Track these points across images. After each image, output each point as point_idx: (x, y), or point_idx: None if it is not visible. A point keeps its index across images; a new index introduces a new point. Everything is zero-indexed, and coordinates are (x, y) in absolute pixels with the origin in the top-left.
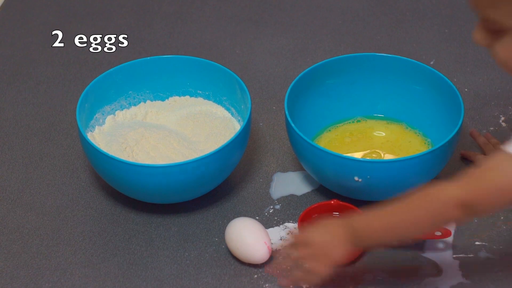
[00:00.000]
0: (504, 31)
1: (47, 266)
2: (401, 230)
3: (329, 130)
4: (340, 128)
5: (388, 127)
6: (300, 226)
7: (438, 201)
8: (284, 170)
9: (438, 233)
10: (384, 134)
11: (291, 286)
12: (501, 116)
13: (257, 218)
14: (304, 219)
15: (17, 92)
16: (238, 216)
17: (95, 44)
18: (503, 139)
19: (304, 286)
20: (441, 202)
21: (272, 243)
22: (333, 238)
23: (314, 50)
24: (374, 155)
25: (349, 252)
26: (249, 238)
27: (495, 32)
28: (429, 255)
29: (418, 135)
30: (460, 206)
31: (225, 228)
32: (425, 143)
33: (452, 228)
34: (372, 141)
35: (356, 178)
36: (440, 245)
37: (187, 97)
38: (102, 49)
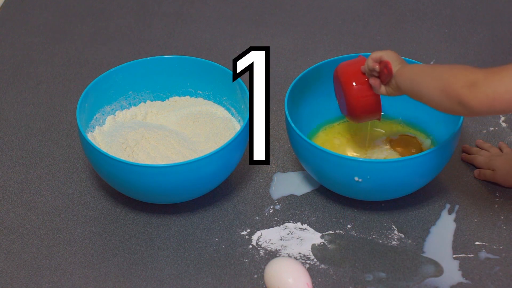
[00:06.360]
0: None
1: (47, 266)
2: (430, 78)
3: (329, 130)
4: (339, 125)
5: (388, 127)
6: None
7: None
8: (284, 170)
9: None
10: (384, 131)
11: None
12: (501, 116)
13: (257, 218)
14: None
15: (17, 92)
16: (238, 217)
17: (95, 44)
18: (503, 139)
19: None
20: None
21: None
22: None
23: (314, 50)
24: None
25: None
26: (290, 279)
27: None
28: (429, 255)
29: (419, 135)
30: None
31: (264, 266)
32: (426, 142)
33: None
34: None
35: (356, 178)
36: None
37: (187, 97)
38: (102, 49)
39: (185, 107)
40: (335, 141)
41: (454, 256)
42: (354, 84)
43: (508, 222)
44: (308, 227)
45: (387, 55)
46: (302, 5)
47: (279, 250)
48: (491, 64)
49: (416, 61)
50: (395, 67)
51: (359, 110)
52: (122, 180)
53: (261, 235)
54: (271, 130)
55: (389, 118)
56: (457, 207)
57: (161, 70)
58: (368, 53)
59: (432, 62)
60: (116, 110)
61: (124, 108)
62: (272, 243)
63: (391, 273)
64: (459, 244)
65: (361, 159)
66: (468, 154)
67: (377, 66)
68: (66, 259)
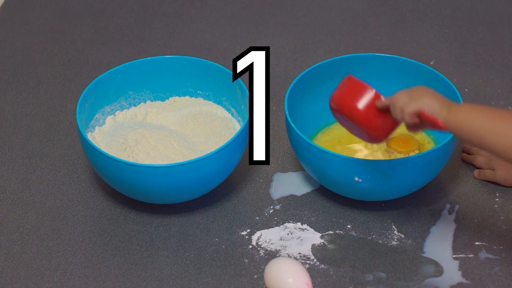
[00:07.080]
0: None
1: (47, 266)
2: (504, 137)
3: (329, 130)
4: (340, 128)
5: None
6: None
7: None
8: (284, 170)
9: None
10: None
11: None
12: None
13: (257, 218)
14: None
15: (17, 92)
16: (238, 217)
17: (95, 44)
18: None
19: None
20: None
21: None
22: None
23: (314, 50)
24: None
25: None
26: (290, 279)
27: None
28: (429, 255)
29: (419, 135)
30: None
31: (264, 266)
32: (426, 142)
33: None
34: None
35: (356, 178)
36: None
37: (187, 97)
38: (102, 49)
39: (185, 107)
40: (334, 141)
41: (454, 256)
42: (363, 112)
43: (508, 222)
44: (308, 227)
45: (427, 106)
46: (302, 5)
47: (279, 250)
48: (491, 64)
49: (415, 61)
50: (441, 115)
51: (382, 136)
52: (122, 180)
53: (261, 235)
54: (271, 130)
55: None
56: (457, 207)
57: (161, 70)
58: (368, 54)
59: (432, 62)
60: (116, 110)
61: (124, 108)
62: (272, 243)
63: (391, 273)
64: (459, 244)
65: (361, 159)
66: (468, 154)
67: (417, 120)
68: (66, 259)
